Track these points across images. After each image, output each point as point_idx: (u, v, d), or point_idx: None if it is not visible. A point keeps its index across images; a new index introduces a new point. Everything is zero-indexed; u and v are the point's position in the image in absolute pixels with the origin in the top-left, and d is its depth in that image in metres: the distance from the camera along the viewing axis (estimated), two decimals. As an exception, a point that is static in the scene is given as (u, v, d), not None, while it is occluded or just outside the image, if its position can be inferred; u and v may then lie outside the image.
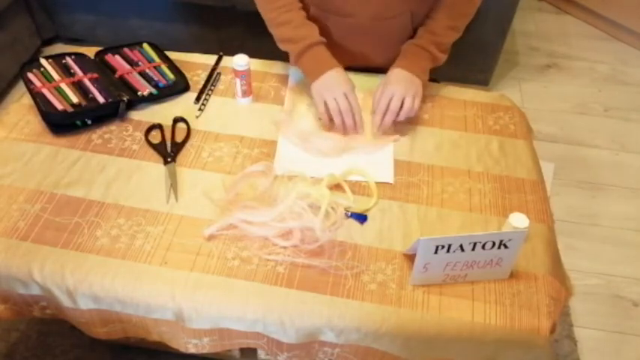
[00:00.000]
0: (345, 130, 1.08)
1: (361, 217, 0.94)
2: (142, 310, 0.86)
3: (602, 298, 1.55)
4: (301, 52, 1.09)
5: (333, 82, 1.07)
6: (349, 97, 1.06)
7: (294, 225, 0.90)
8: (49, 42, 2.29)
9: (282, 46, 1.13)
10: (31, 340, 1.37)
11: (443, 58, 1.14)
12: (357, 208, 0.96)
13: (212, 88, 1.18)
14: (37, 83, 1.12)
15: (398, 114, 1.06)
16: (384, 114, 1.06)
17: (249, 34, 2.09)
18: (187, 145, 1.06)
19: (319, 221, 0.90)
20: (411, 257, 0.88)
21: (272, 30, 1.13)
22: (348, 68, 1.14)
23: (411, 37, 1.17)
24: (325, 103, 1.06)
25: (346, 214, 0.94)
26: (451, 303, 0.84)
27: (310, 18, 1.14)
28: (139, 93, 1.13)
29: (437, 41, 1.12)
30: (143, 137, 1.07)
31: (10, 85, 2.07)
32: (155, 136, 1.07)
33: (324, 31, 1.13)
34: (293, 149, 1.06)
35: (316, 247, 0.89)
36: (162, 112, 1.12)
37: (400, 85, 1.06)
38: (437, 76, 1.26)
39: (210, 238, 0.90)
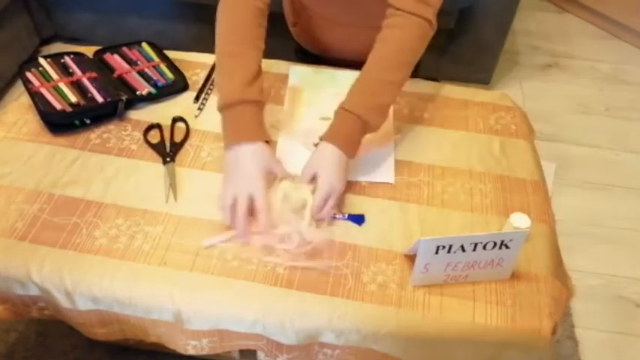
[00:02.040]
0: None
1: (358, 219, 0.94)
2: (140, 311, 0.86)
3: (603, 299, 1.55)
4: (227, 106, 0.93)
5: (245, 173, 0.89)
6: (256, 200, 0.88)
7: (287, 230, 0.88)
8: (47, 41, 2.28)
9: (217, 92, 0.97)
10: (30, 341, 1.36)
11: (380, 123, 0.96)
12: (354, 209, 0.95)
13: (211, 87, 1.18)
14: (36, 82, 1.11)
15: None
16: (320, 213, 0.91)
17: (249, 34, 2.08)
18: (186, 145, 1.06)
19: (305, 224, 0.88)
20: (411, 258, 0.87)
21: (215, 71, 0.97)
22: (336, 61, 1.12)
23: None
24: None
25: (343, 216, 0.94)
26: (452, 304, 0.83)
27: (300, 18, 1.12)
28: (138, 92, 1.13)
29: (373, 103, 0.94)
30: (142, 137, 1.06)
31: (9, 84, 2.07)
32: (154, 136, 1.07)
33: (313, 29, 1.12)
34: (293, 150, 1.05)
35: (311, 249, 0.87)
36: (161, 112, 1.12)
37: (335, 180, 0.90)
38: (437, 75, 1.26)
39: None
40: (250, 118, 0.93)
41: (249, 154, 0.90)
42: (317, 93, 1.16)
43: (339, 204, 0.95)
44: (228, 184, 0.90)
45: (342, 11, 1.10)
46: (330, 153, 0.92)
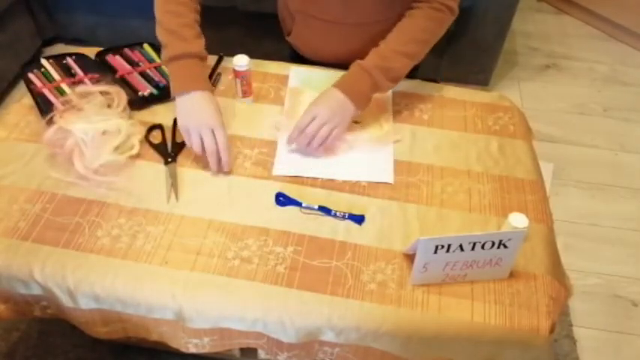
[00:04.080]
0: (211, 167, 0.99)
1: (358, 218, 0.95)
2: (142, 310, 0.87)
3: (601, 298, 1.55)
4: (172, 59, 1.00)
5: (200, 113, 0.97)
6: (216, 133, 0.96)
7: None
8: (49, 42, 2.29)
9: (162, 51, 1.04)
10: (32, 340, 1.37)
11: (389, 86, 1.06)
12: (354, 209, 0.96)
13: (212, 88, 1.19)
14: (38, 83, 1.12)
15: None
16: (300, 132, 1.01)
17: (249, 35, 2.09)
18: (188, 146, 1.06)
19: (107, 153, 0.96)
20: (410, 257, 0.88)
21: (157, 30, 1.04)
22: (331, 65, 1.16)
23: None
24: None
25: (343, 216, 0.95)
26: (451, 303, 0.84)
27: (295, 22, 1.14)
28: (140, 93, 1.14)
29: (384, 66, 1.03)
30: (144, 137, 1.07)
31: (11, 85, 2.07)
32: (156, 136, 1.08)
33: (308, 33, 1.13)
34: (293, 150, 1.06)
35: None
36: (163, 113, 1.12)
37: (327, 109, 1.00)
38: (436, 76, 1.27)
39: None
40: (199, 69, 1.02)
41: (203, 98, 0.99)
42: (317, 94, 1.16)
43: (340, 204, 0.96)
44: (189, 123, 0.98)
45: (337, 9, 1.11)
46: (334, 94, 1.02)
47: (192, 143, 0.98)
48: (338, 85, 1.04)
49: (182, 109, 0.99)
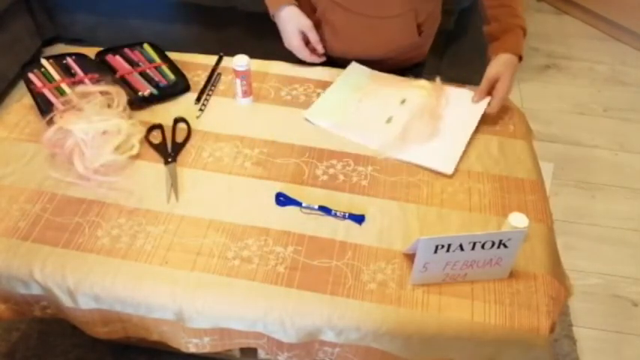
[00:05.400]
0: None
1: (359, 218, 0.95)
2: (142, 310, 0.87)
3: (601, 298, 1.55)
4: None
5: (285, 33, 1.19)
6: (307, 33, 1.18)
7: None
8: (49, 42, 2.29)
9: None
10: (32, 340, 1.37)
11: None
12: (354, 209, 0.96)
13: (212, 88, 1.19)
14: (38, 83, 1.12)
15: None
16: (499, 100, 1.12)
17: (249, 35, 2.09)
18: (188, 146, 1.06)
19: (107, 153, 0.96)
20: (410, 257, 0.88)
21: None
22: (345, 59, 1.19)
23: (415, 33, 1.21)
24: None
25: (344, 216, 0.95)
26: (451, 302, 0.84)
27: (317, 11, 1.21)
28: (140, 93, 1.14)
29: (523, 22, 1.20)
30: (144, 137, 1.07)
31: (11, 85, 2.07)
32: (156, 137, 1.08)
33: (329, 22, 1.20)
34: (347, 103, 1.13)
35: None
36: (163, 113, 1.12)
37: (509, 77, 1.12)
38: (436, 76, 1.27)
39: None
40: None
41: (285, 18, 1.18)
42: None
43: (340, 204, 0.96)
44: (284, 36, 1.20)
45: (361, 1, 1.16)
46: (510, 61, 1.13)
47: (296, 46, 1.18)
48: (507, 50, 1.14)
49: (280, 30, 1.19)
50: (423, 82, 1.17)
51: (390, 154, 1.04)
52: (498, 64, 1.12)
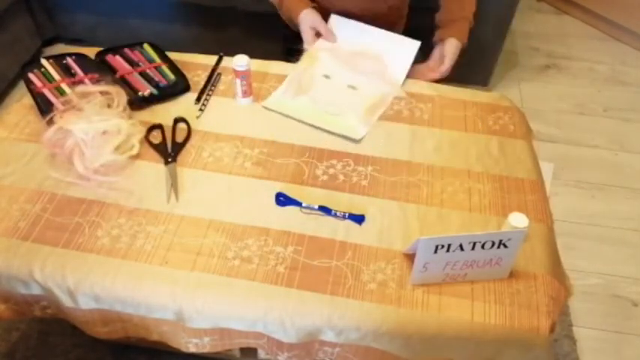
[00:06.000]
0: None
1: (359, 218, 0.95)
2: (142, 310, 0.87)
3: (601, 298, 1.55)
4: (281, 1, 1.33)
5: (302, 33, 1.30)
6: (318, 27, 1.29)
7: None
8: (49, 42, 2.29)
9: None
10: (32, 340, 1.37)
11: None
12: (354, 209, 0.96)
13: (212, 88, 1.19)
14: (38, 83, 1.12)
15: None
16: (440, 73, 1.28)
17: (249, 35, 2.09)
18: (188, 146, 1.06)
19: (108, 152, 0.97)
20: (410, 257, 0.88)
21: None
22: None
23: (404, 16, 1.40)
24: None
25: (344, 215, 0.95)
26: (451, 302, 0.84)
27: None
28: (140, 93, 1.14)
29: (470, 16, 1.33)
30: (144, 137, 1.07)
31: (11, 85, 2.07)
32: (156, 136, 1.08)
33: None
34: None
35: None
36: (163, 113, 1.12)
37: (452, 56, 1.28)
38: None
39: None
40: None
41: (302, 21, 1.29)
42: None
43: (340, 203, 0.96)
44: (303, 37, 1.30)
45: None
46: (457, 45, 1.29)
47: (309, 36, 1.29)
48: (452, 35, 1.29)
49: (300, 30, 1.29)
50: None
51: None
52: (449, 45, 1.28)
